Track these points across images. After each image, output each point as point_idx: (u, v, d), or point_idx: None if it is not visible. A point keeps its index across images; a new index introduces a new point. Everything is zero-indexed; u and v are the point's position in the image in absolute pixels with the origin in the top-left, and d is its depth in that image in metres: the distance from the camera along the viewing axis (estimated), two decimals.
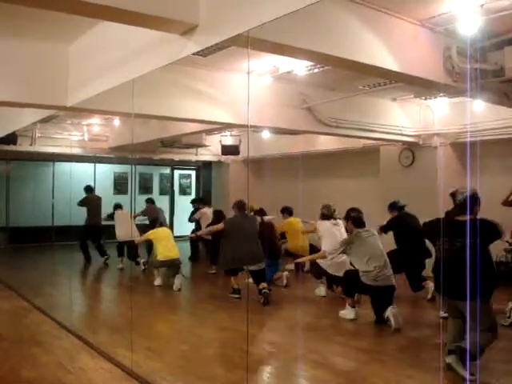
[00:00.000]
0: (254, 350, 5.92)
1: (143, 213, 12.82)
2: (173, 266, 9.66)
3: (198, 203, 13.54)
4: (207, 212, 12.62)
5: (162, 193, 18.14)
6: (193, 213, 13.28)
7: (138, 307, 7.81)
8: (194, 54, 4.92)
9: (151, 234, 10.17)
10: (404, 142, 11.16)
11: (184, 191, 19.00)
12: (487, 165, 9.35)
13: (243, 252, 8.38)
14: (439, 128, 10.61)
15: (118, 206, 12.26)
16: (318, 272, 8.86)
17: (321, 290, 8.90)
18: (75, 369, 5.32)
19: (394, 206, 8.94)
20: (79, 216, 12.93)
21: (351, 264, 7.90)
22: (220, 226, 8.95)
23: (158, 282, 9.82)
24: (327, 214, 8.85)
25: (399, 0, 5.28)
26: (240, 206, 8.93)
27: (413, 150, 11.27)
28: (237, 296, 8.59)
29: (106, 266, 12.55)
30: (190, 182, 19.21)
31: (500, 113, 8.76)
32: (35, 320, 7.35)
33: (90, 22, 5.95)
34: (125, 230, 11.53)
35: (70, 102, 6.97)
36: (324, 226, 8.78)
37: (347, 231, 8.21)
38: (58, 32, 6.44)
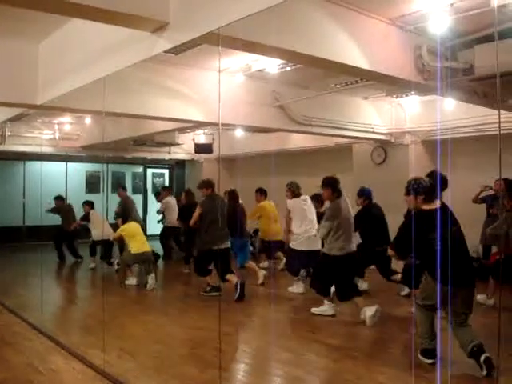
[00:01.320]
0: (227, 349, 5.91)
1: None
2: (147, 260, 9.61)
3: (159, 195, 13.43)
4: (170, 201, 12.56)
5: (134, 192, 17.99)
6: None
7: (110, 307, 7.75)
8: (165, 52, 4.90)
9: (123, 230, 10.02)
10: (376, 140, 11.23)
11: (157, 190, 18.91)
12: (458, 162, 9.45)
13: (217, 232, 8.56)
14: (411, 126, 10.70)
15: (89, 205, 12.07)
16: (294, 267, 8.88)
17: (299, 287, 8.90)
18: (47, 370, 5.27)
19: (365, 193, 8.93)
20: (50, 216, 12.81)
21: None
22: (198, 212, 8.87)
23: (130, 281, 9.75)
24: (297, 192, 8.96)
25: None
26: (209, 184, 9.04)
27: (385, 148, 11.36)
28: (216, 294, 8.55)
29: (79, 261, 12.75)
30: (164, 180, 19.12)
31: (470, 111, 8.84)
32: (6, 321, 7.26)
33: (61, 20, 5.88)
34: (100, 229, 11.46)
35: (41, 100, 6.90)
36: (296, 204, 8.88)
37: (320, 203, 8.45)
38: (28, 29, 6.37)
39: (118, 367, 5.26)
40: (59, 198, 13.09)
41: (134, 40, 4.90)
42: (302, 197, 8.97)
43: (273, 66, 7.72)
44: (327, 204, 7.78)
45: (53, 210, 12.92)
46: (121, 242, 10.54)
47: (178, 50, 6.67)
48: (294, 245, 8.78)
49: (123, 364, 5.42)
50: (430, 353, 5.30)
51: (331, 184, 7.46)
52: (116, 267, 11.28)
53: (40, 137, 13.45)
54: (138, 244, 9.70)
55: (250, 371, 5.55)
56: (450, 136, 9.22)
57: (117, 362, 5.42)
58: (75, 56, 6.09)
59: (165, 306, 8.54)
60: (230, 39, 4.35)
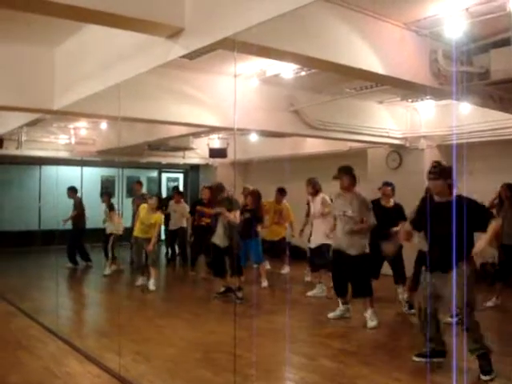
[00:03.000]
0: (241, 353, 5.89)
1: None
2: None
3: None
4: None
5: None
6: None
7: (125, 311, 7.78)
8: (180, 57, 4.92)
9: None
10: (391, 145, 11.20)
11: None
12: (474, 167, 9.40)
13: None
14: (426, 130, 10.67)
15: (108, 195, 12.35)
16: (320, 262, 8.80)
17: (322, 290, 8.90)
18: (62, 373, 5.28)
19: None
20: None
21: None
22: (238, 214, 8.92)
23: (140, 281, 9.97)
24: (318, 188, 9.05)
25: (385, 3, 5.31)
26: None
27: (400, 153, 11.31)
28: (239, 296, 8.59)
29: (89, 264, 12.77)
30: (178, 185, 19.14)
31: (486, 115, 8.80)
32: (21, 324, 7.30)
33: (76, 26, 5.92)
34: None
35: (57, 105, 6.95)
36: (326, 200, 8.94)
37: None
38: (44, 35, 6.42)
39: (134, 371, 5.27)
40: (73, 190, 12.93)
41: (148, 46, 4.92)
42: (321, 195, 9.01)
43: (288, 70, 7.72)
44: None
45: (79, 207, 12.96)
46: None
47: (192, 55, 6.68)
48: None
49: (138, 368, 5.43)
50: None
51: (349, 172, 7.49)
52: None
53: (56, 142, 13.57)
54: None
55: (264, 376, 5.54)
56: (466, 140, 9.16)
57: (132, 366, 5.43)
58: (90, 61, 6.13)
59: (179, 310, 8.54)
60: (244, 44, 4.37)
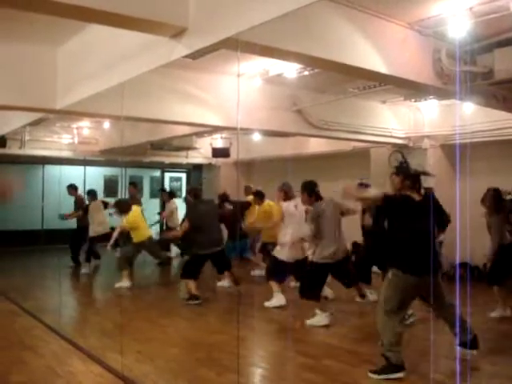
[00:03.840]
0: (244, 353, 5.89)
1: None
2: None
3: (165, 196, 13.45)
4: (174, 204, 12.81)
5: (152, 196, 18.06)
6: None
7: (128, 310, 7.78)
8: (183, 57, 4.92)
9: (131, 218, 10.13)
10: (394, 144, 11.18)
11: (174, 194, 18.94)
12: (477, 167, 9.38)
13: (209, 237, 8.62)
14: (429, 130, 10.65)
15: (92, 195, 12.36)
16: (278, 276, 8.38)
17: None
18: (65, 373, 5.29)
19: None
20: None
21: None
22: (186, 224, 8.85)
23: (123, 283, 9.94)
24: (290, 195, 8.32)
25: (388, 3, 5.30)
26: (196, 192, 9.24)
27: (403, 152, 11.28)
28: (196, 302, 8.46)
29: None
30: (181, 184, 19.15)
31: (489, 115, 8.78)
32: (24, 324, 7.30)
33: (79, 25, 5.92)
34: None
35: (59, 104, 6.96)
36: (288, 208, 8.24)
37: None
38: (47, 35, 6.42)
39: (137, 371, 5.27)
40: (73, 187, 12.83)
41: (152, 45, 4.93)
42: (293, 201, 8.22)
43: (291, 70, 7.72)
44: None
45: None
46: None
47: (196, 55, 6.67)
48: (278, 253, 8.27)
49: (141, 368, 5.43)
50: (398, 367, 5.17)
51: (306, 188, 7.44)
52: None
53: (59, 141, 13.58)
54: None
55: (268, 376, 5.54)
56: (469, 140, 9.15)
57: (135, 366, 5.43)
58: (93, 61, 6.13)
59: (181, 310, 8.54)
60: (247, 44, 4.37)
